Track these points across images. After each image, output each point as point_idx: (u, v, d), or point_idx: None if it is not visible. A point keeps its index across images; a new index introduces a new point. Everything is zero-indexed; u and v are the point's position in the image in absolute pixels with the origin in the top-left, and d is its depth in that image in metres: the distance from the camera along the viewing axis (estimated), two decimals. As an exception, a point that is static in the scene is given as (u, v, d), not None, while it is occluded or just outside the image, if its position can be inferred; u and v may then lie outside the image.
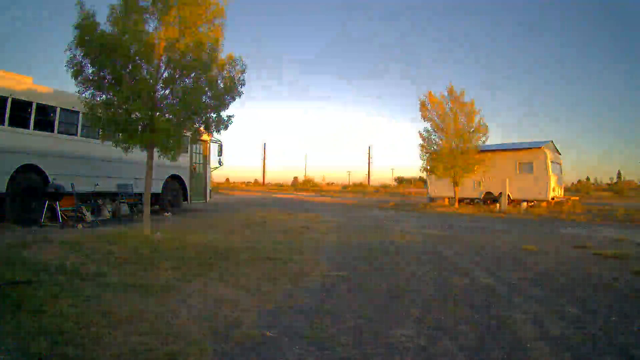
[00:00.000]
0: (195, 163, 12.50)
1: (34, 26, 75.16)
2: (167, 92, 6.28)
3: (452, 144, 16.94)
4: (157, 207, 10.86)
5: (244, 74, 6.71)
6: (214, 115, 6.78)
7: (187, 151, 11.76)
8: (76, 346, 2.58)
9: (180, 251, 5.77)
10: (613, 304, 3.77)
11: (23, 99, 7.52)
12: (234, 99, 6.76)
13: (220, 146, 13.29)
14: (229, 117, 6.88)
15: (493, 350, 2.76)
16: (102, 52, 5.65)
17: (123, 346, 2.62)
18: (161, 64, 6.18)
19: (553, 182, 17.47)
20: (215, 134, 7.37)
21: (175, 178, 11.51)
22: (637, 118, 75.79)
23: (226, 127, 6.96)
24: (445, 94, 17.50)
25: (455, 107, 17.19)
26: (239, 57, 6.66)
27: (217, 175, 79.04)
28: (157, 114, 6.29)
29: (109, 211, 9.13)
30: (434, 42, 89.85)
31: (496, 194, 17.70)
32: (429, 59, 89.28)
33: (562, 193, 19.54)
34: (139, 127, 6.39)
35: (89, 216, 8.56)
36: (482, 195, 19.03)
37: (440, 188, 20.44)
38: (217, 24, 6.39)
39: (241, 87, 6.73)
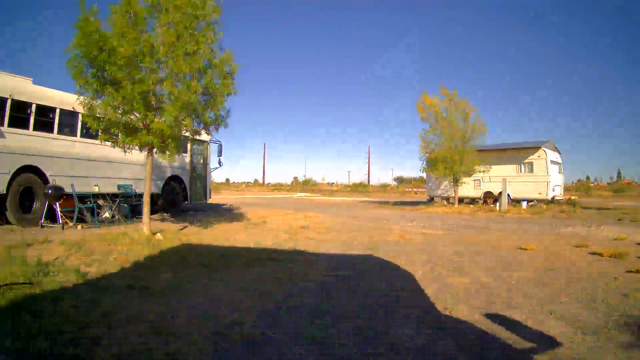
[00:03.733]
0: (195, 163, 12.48)
1: (34, 26, 75.27)
2: (165, 92, 6.28)
3: (450, 144, 16.94)
4: (157, 207, 10.85)
5: (235, 75, 6.75)
6: (212, 115, 6.80)
7: (186, 151, 11.75)
8: (76, 346, 2.58)
9: (180, 251, 5.77)
10: (613, 302, 3.77)
11: (22, 99, 7.51)
12: (230, 94, 6.79)
13: (220, 146, 13.27)
14: (227, 112, 6.95)
15: (492, 350, 2.76)
16: (101, 53, 5.65)
17: (123, 346, 2.62)
18: (160, 65, 6.18)
19: (553, 181, 17.47)
20: (214, 132, 7.38)
21: (175, 178, 11.49)
22: (637, 118, 75.90)
23: (225, 125, 7.01)
24: (439, 94, 17.55)
25: (450, 106, 17.20)
26: (235, 65, 6.69)
27: (217, 175, 79.23)
28: (156, 114, 6.29)
29: (109, 212, 9.12)
30: (434, 41, 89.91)
31: (496, 193, 17.70)
32: (428, 58, 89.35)
33: (562, 192, 19.53)
34: (138, 127, 6.40)
35: (89, 217, 8.56)
36: (482, 195, 19.03)
37: (440, 188, 20.45)
38: (214, 22, 6.39)
39: (235, 86, 6.77)
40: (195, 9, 5.99)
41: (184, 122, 6.32)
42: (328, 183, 69.53)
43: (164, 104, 6.28)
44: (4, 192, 7.15)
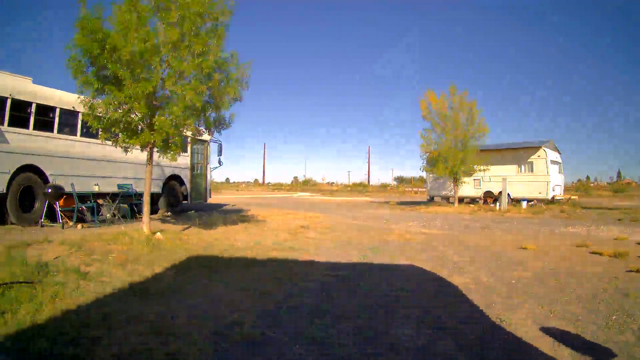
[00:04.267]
0: (195, 163, 12.47)
1: (34, 26, 75.26)
2: (167, 92, 6.25)
3: (452, 143, 16.93)
4: (157, 207, 10.85)
5: (247, 77, 6.68)
6: (215, 115, 6.78)
7: (187, 151, 11.74)
8: (76, 346, 2.58)
9: (180, 251, 5.77)
10: (613, 302, 3.77)
11: (22, 99, 7.50)
12: (235, 100, 6.73)
13: (220, 146, 13.27)
14: (231, 115, 6.93)
15: (493, 350, 2.76)
16: (102, 52, 5.63)
17: (123, 346, 2.62)
18: (162, 64, 6.15)
19: (553, 181, 17.47)
20: (216, 133, 7.35)
21: (175, 178, 11.48)
22: (637, 117, 75.94)
23: (228, 126, 6.99)
24: (447, 92, 17.51)
25: (457, 106, 17.18)
26: (247, 63, 6.64)
27: (217, 175, 79.28)
28: (157, 113, 6.27)
29: (109, 211, 9.12)
30: (434, 41, 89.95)
31: (496, 193, 17.70)
32: (428, 58, 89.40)
33: (562, 192, 19.53)
34: (139, 127, 6.38)
35: (88, 216, 8.55)
36: (483, 195, 19.02)
37: (440, 187, 20.45)
38: (221, 22, 6.35)
39: (243, 89, 6.71)
40: (201, 7, 5.95)
41: (187, 122, 6.29)
42: (328, 183, 69.56)
43: (167, 103, 6.25)
44: (4, 191, 7.14)
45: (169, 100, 6.25)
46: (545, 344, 2.83)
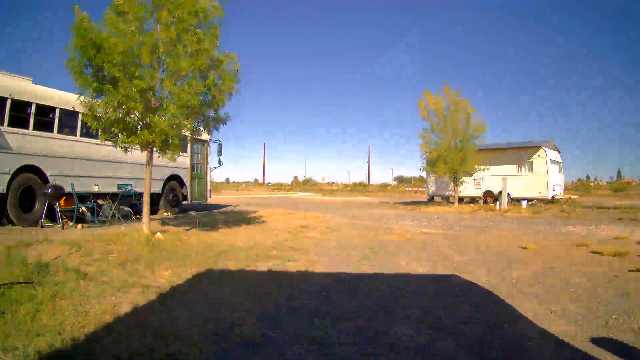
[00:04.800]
0: (195, 163, 12.47)
1: (34, 26, 75.26)
2: (165, 92, 6.26)
3: (451, 143, 16.93)
4: (157, 207, 10.85)
5: (237, 75, 6.68)
6: (213, 115, 6.79)
7: (186, 151, 11.74)
8: (76, 347, 2.58)
9: (180, 251, 5.77)
10: (614, 302, 3.77)
11: (22, 99, 7.51)
12: (230, 97, 6.74)
13: (220, 146, 13.28)
14: (226, 113, 6.93)
15: (493, 350, 2.76)
16: (98, 53, 5.64)
17: (123, 347, 2.62)
18: (160, 64, 6.16)
19: (553, 180, 17.46)
20: (214, 131, 7.35)
21: (175, 178, 11.48)
22: (637, 117, 75.95)
23: (225, 123, 6.99)
24: (442, 93, 17.51)
25: (452, 106, 17.19)
26: (233, 60, 6.62)
27: (217, 175, 79.27)
28: (157, 113, 6.27)
29: (109, 211, 9.12)
30: (434, 41, 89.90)
31: (496, 192, 17.69)
32: (428, 58, 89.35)
33: (562, 192, 19.53)
34: (138, 126, 6.38)
35: (88, 216, 8.55)
36: (483, 194, 19.01)
37: (440, 187, 20.45)
38: (215, 23, 6.36)
39: (238, 86, 6.72)
40: (193, 5, 5.97)
41: (185, 122, 6.29)
42: (328, 183, 69.55)
43: (164, 104, 6.26)
44: (4, 191, 7.15)
45: (167, 101, 6.25)
46: (546, 345, 2.82)
